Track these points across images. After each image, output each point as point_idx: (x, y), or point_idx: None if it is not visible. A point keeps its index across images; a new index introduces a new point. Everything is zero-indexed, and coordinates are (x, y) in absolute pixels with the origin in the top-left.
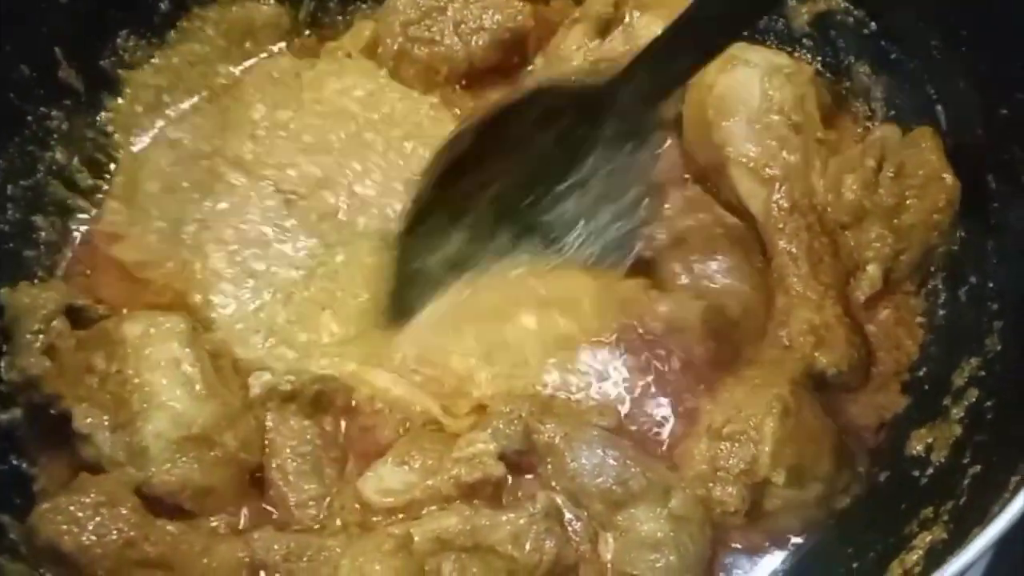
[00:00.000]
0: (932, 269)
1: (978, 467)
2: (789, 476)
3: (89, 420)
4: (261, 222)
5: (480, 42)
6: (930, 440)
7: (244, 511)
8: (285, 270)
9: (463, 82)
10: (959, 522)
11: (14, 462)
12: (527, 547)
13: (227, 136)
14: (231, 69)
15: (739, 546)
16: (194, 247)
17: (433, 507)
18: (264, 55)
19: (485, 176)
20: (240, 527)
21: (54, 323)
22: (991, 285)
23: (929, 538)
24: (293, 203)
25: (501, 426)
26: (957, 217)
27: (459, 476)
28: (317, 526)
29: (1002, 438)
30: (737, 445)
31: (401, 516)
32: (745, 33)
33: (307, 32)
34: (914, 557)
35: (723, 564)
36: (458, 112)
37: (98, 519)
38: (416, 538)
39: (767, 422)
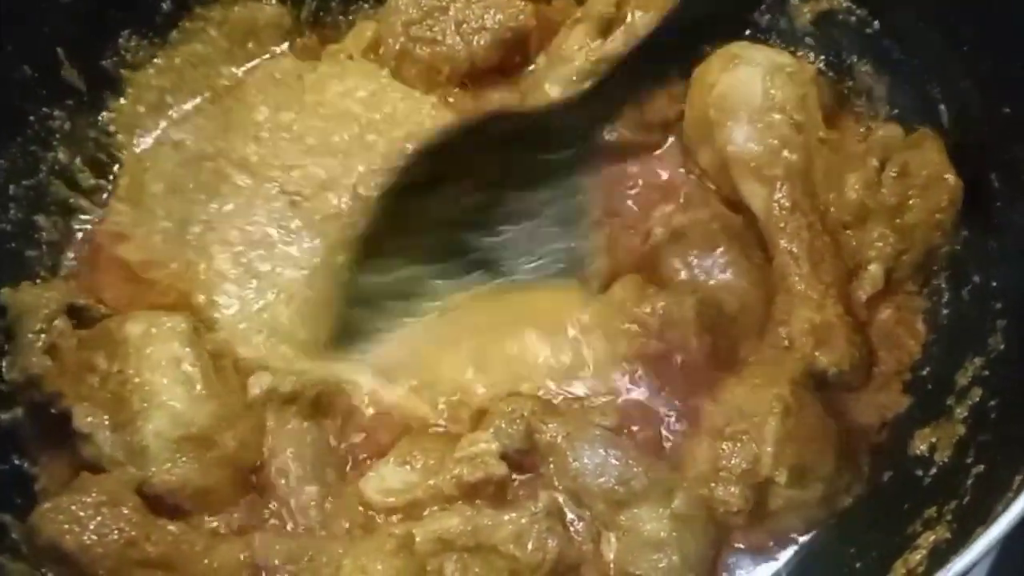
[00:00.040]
0: (935, 268)
1: (982, 466)
2: (791, 476)
3: (90, 419)
4: (267, 223)
5: (482, 42)
6: (934, 440)
7: (245, 512)
8: (290, 270)
9: (465, 82)
10: (962, 522)
11: (15, 461)
12: (529, 547)
13: (230, 137)
14: (233, 70)
15: (742, 546)
16: (199, 248)
17: (435, 507)
18: (266, 56)
19: (436, 201)
20: (241, 528)
21: (56, 323)
22: (994, 284)
23: (932, 538)
24: (298, 204)
25: (503, 425)
26: (960, 216)
27: (461, 476)
28: (318, 527)
29: (1006, 438)
30: (739, 445)
31: (403, 516)
32: (748, 31)
33: (309, 32)
34: (917, 557)
35: (726, 564)
36: (459, 112)
37: (99, 518)
38: (418, 538)
39: (769, 422)
